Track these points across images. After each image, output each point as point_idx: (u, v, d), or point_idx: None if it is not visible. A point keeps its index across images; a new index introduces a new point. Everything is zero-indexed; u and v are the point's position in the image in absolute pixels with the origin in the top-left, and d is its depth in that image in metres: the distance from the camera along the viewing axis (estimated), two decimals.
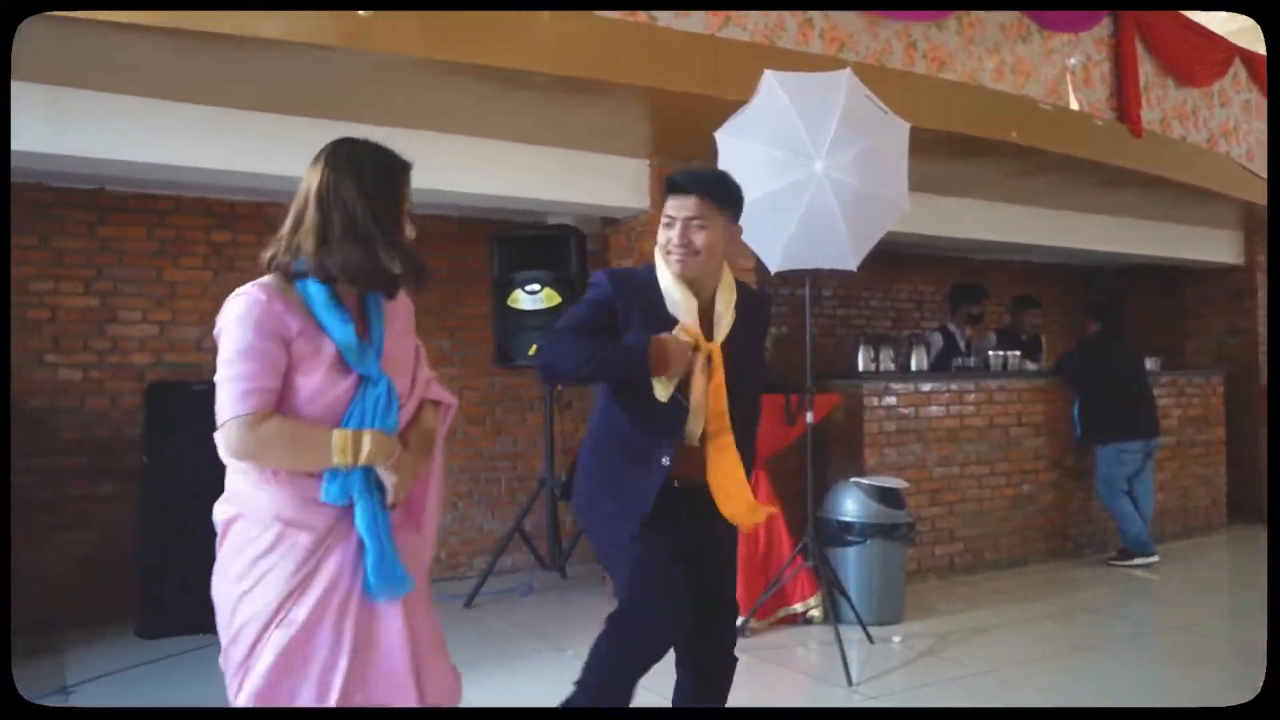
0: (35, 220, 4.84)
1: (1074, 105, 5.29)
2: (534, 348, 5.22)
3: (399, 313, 1.98)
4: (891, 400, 5.54)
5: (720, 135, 3.86)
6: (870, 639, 4.35)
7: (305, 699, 1.78)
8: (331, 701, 1.78)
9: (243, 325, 1.78)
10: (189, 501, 4.54)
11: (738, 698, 3.74)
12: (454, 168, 4.48)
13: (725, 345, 2.43)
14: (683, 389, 2.38)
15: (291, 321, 1.80)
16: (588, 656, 2.44)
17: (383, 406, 1.84)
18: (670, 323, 2.38)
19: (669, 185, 2.43)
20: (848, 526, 4.61)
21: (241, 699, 1.79)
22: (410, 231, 1.91)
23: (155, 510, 4.60)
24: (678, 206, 2.39)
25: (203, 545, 4.62)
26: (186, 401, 4.72)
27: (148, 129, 3.91)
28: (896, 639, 4.42)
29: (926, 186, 5.62)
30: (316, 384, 1.81)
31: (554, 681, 3.91)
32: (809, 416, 4.28)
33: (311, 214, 1.83)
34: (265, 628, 1.79)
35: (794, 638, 4.48)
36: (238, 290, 1.83)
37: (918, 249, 7.43)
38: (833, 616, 4.23)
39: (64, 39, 3.26)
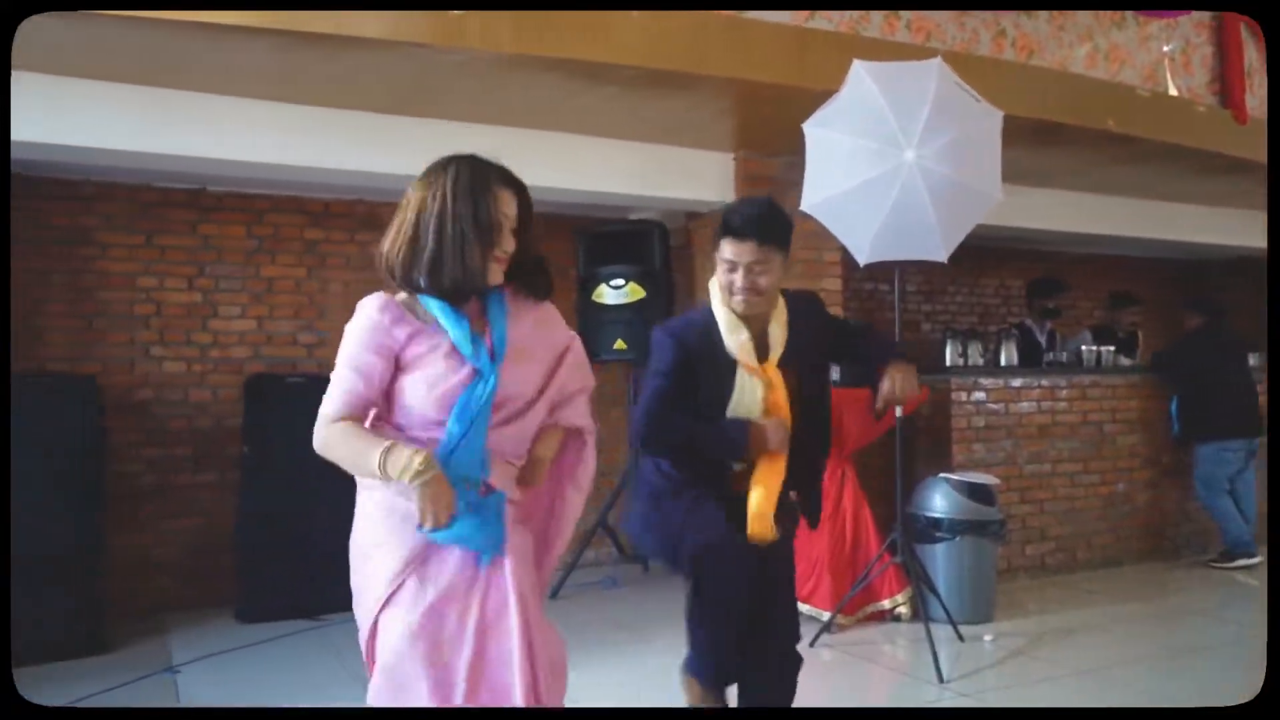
0: (141, 219, 5.05)
1: (1173, 91, 5.11)
2: (620, 342, 5.28)
3: (527, 313, 2.05)
4: (980, 395, 5.43)
5: (808, 127, 3.82)
6: (960, 637, 4.27)
7: (426, 672, 1.84)
8: (458, 670, 1.85)
9: (353, 335, 1.93)
10: (286, 491, 4.74)
11: (825, 692, 3.73)
12: (540, 164, 4.51)
13: (783, 363, 2.55)
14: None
15: (400, 332, 1.91)
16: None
17: (488, 398, 1.91)
18: (731, 364, 2.52)
19: (726, 229, 2.51)
20: (936, 523, 4.53)
21: (375, 671, 1.90)
22: (509, 244, 1.96)
23: (255, 499, 4.76)
24: (738, 252, 2.48)
25: (299, 533, 4.81)
26: (283, 393, 4.88)
27: (248, 128, 4.03)
28: (988, 637, 4.34)
29: (1015, 178, 5.48)
30: (434, 375, 1.91)
31: (640, 672, 3.98)
32: (898, 410, 4.22)
33: (414, 233, 1.92)
34: (381, 602, 1.88)
35: (882, 634, 4.43)
36: (365, 299, 1.95)
37: (1005, 243, 7.28)
38: (922, 613, 4.16)
39: (166, 41, 3.39)
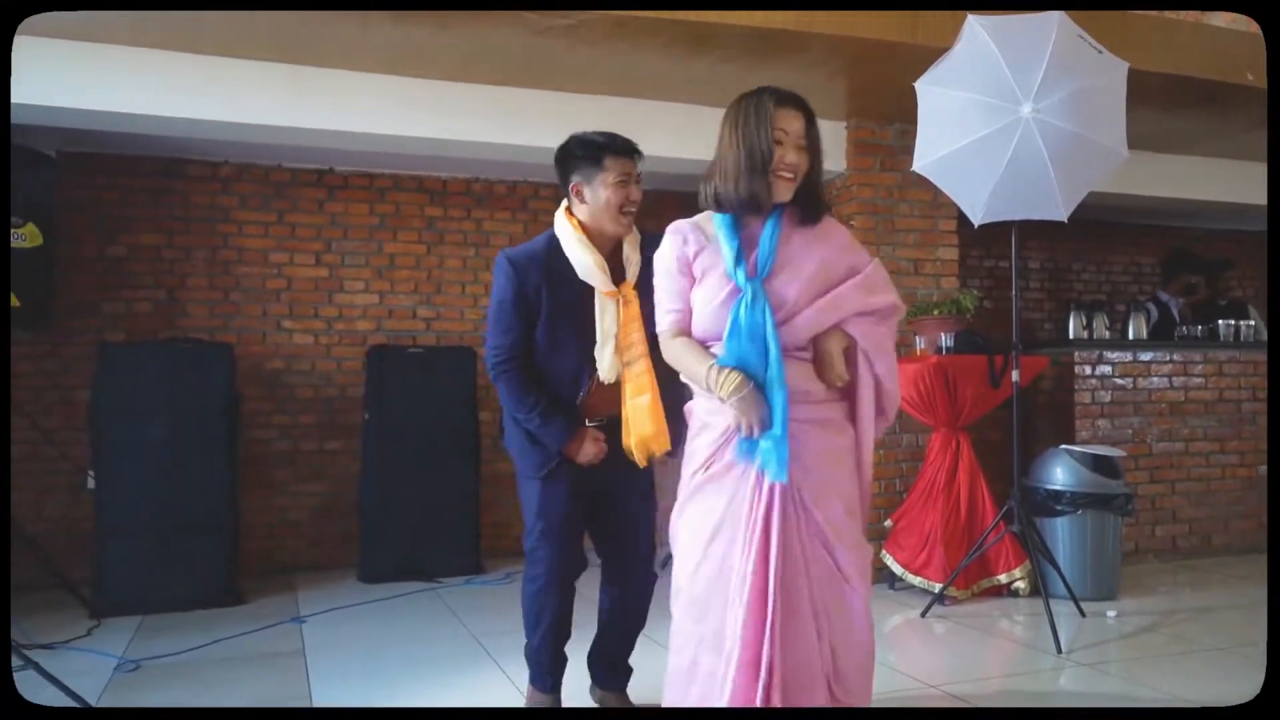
0: (273, 199, 5.32)
1: None
2: None
3: (799, 232, 2.20)
4: (1106, 369, 5.21)
5: (920, 85, 3.74)
6: (1082, 612, 4.11)
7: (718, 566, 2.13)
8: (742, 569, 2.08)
9: (660, 259, 2.25)
10: (405, 458, 4.93)
11: (939, 660, 3.66)
12: (652, 133, 4.49)
13: (638, 285, 2.64)
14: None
15: (690, 248, 2.20)
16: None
17: (747, 310, 2.10)
18: (582, 289, 2.60)
19: (620, 147, 2.60)
20: (1057, 495, 4.37)
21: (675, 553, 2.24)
22: (790, 159, 2.13)
23: (375, 465, 4.96)
24: (626, 167, 2.60)
25: (417, 498, 4.97)
26: (402, 363, 5.07)
27: (372, 102, 4.18)
28: (1111, 613, 4.16)
29: (1147, 143, 5.25)
30: (708, 291, 2.17)
31: None
32: (1015, 377, 4.09)
33: (714, 161, 2.19)
34: (681, 503, 2.24)
35: (998, 608, 4.29)
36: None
37: (1136, 217, 6.95)
38: (1041, 588, 4.01)
39: (300, 21, 3.57)
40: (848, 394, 2.27)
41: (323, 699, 3.14)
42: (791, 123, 2.14)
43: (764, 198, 2.12)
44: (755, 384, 2.08)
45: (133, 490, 4.32)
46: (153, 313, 5.08)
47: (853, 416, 2.27)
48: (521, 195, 5.73)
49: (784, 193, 2.15)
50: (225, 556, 4.47)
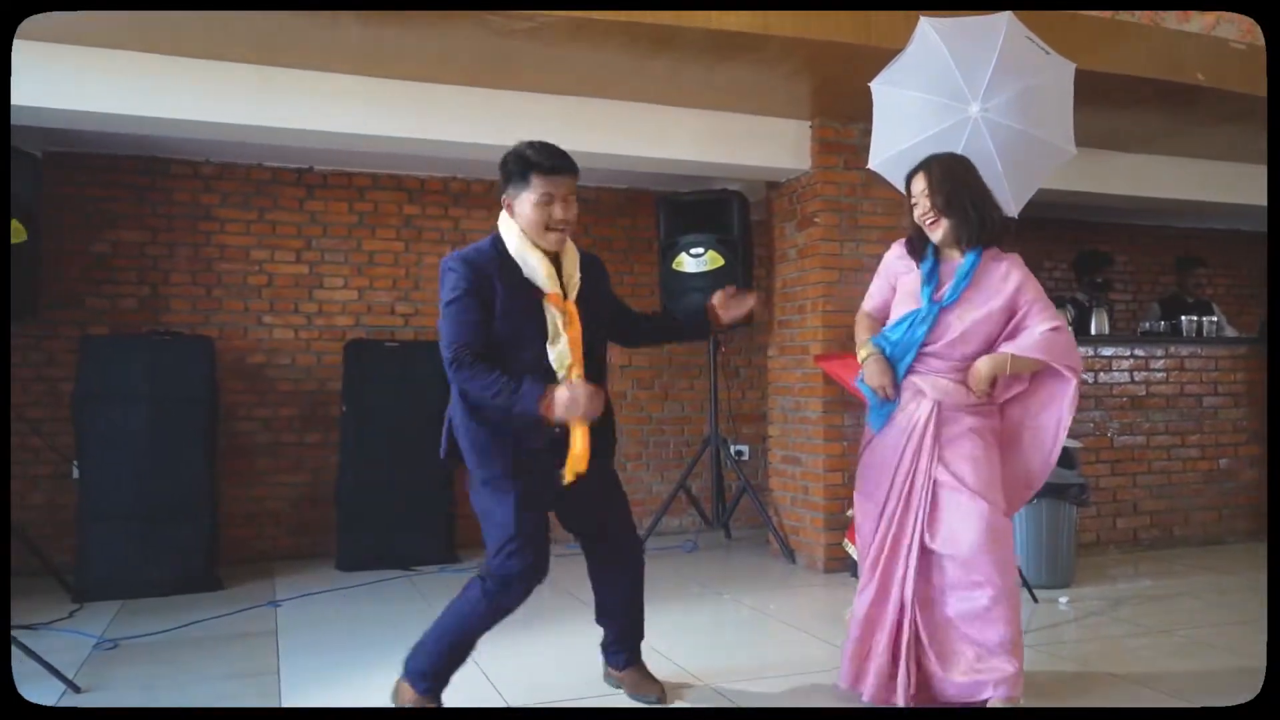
0: (254, 196, 5.45)
1: None
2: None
3: (989, 271, 2.96)
4: None
5: (875, 84, 3.86)
6: (1034, 599, 4.23)
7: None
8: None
9: (882, 264, 3.13)
10: (381, 449, 5.05)
11: None
12: (617, 132, 4.67)
13: (579, 302, 2.69)
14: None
15: (899, 266, 3.05)
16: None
17: (920, 329, 2.88)
18: (531, 287, 2.63)
19: (538, 167, 2.59)
20: None
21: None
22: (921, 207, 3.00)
23: (352, 456, 5.08)
24: (556, 185, 2.60)
25: (393, 487, 5.09)
26: (379, 357, 5.19)
27: (345, 102, 4.30)
28: (1063, 599, 4.28)
29: (1105, 141, 5.37)
30: (899, 299, 3.01)
31: (713, 617, 4.11)
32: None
33: None
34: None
35: None
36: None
37: (1104, 214, 7.06)
38: None
39: (276, 23, 3.69)
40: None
41: (290, 675, 3.27)
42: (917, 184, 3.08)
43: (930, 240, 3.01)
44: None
45: (114, 478, 4.44)
46: (136, 308, 5.21)
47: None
48: (498, 194, 5.83)
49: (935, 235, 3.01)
50: (204, 543, 4.59)
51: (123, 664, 3.42)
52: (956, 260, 2.91)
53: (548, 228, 2.62)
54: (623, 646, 3.04)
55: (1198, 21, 4.84)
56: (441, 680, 2.74)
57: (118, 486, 4.44)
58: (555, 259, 2.70)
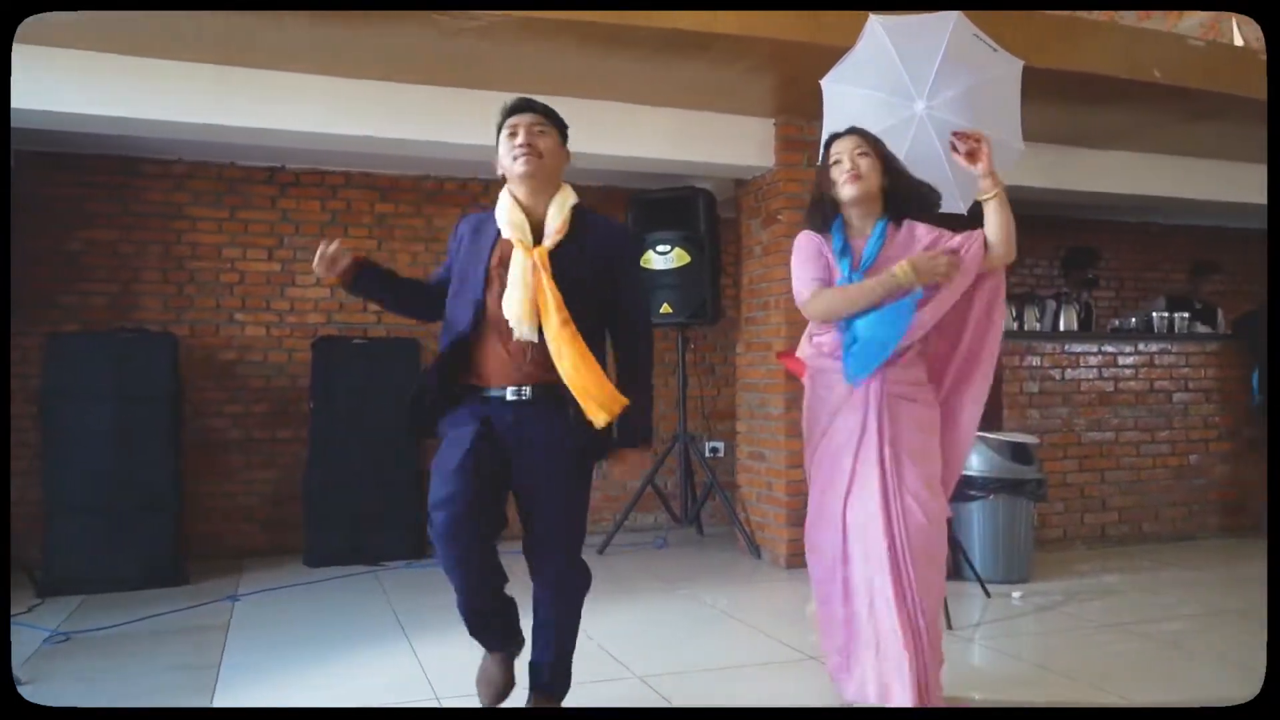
0: (226, 195, 5.50)
1: (1238, 41, 4.89)
2: (666, 306, 5.43)
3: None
4: (1035, 361, 5.33)
5: (825, 82, 3.87)
6: (987, 593, 4.24)
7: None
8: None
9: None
10: (348, 446, 5.09)
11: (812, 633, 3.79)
12: (580, 131, 4.69)
13: (554, 253, 2.48)
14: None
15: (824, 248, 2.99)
16: None
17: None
18: (493, 237, 2.53)
19: (508, 109, 2.58)
20: (969, 481, 4.49)
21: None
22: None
23: (320, 453, 5.13)
24: (517, 121, 2.54)
25: (361, 483, 5.13)
26: (347, 354, 5.24)
27: (313, 101, 4.33)
28: (1016, 594, 4.29)
29: (1067, 138, 5.37)
30: None
31: (660, 613, 4.13)
32: None
33: None
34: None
35: None
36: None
37: (1070, 211, 7.02)
38: (949, 571, 4.13)
39: (236, 23, 3.73)
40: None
41: (230, 669, 3.31)
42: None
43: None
44: None
45: (79, 472, 4.50)
46: (108, 305, 5.27)
47: None
48: (472, 192, 5.89)
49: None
50: (170, 538, 4.64)
51: (69, 657, 3.47)
52: (866, 235, 2.92)
53: (513, 156, 2.52)
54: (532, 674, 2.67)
55: (1159, 20, 4.84)
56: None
57: (83, 481, 4.50)
58: (543, 210, 2.54)
